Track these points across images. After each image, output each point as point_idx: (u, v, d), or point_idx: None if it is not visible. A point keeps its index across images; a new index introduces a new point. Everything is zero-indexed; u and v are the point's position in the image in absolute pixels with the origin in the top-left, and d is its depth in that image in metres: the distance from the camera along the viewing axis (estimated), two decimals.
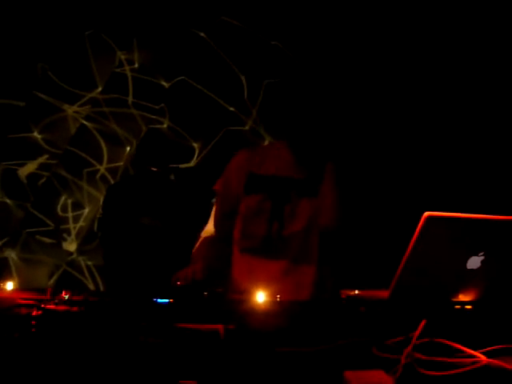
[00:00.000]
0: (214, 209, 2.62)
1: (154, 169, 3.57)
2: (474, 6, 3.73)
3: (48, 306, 1.70)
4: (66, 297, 1.81)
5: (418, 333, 1.44)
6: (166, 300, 1.82)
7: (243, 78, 4.12)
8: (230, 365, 1.37)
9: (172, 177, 3.63)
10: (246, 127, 4.13)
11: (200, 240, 2.61)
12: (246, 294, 1.89)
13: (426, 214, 1.49)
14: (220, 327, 1.49)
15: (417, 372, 1.34)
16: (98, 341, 1.48)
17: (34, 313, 1.65)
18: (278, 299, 1.90)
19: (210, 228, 2.61)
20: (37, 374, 1.27)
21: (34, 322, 1.58)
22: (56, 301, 1.77)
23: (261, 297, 1.85)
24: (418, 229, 1.51)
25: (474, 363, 1.39)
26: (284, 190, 2.44)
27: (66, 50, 4.10)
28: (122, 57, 4.16)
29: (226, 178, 2.57)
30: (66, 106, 4.14)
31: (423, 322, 1.46)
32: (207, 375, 1.28)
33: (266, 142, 4.11)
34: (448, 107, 3.77)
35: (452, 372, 1.34)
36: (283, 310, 1.80)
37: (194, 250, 2.59)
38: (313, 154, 2.50)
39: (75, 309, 1.71)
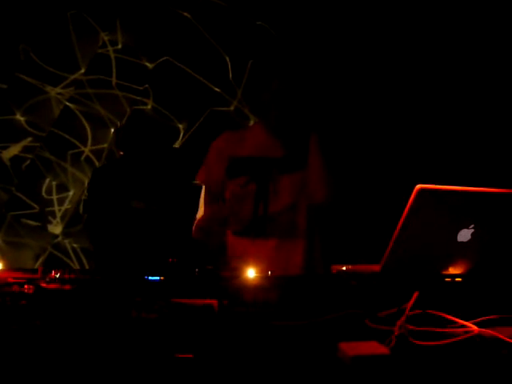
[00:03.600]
0: (202, 192, 2.64)
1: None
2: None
3: (40, 285, 1.69)
4: (57, 276, 1.81)
5: (410, 304, 1.45)
6: (157, 277, 1.82)
7: (228, 58, 4.10)
8: (225, 338, 1.38)
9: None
10: (231, 108, 4.12)
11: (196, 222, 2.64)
12: (237, 270, 1.90)
13: (418, 186, 1.50)
14: (214, 302, 1.50)
15: (410, 342, 1.35)
16: (91, 318, 1.48)
17: (26, 291, 1.65)
18: (270, 274, 1.91)
19: (202, 210, 2.64)
20: (31, 351, 1.26)
21: (25, 301, 1.57)
22: (47, 279, 1.77)
23: (252, 272, 1.86)
24: (409, 201, 1.52)
25: (466, 333, 1.41)
26: (265, 169, 2.45)
27: (48, 31, 4.05)
28: (105, 37, 4.12)
29: (207, 168, 2.60)
30: (49, 88, 4.09)
31: (416, 294, 1.48)
32: (203, 349, 1.29)
33: (251, 123, 4.10)
34: (439, 79, 3.77)
35: (445, 342, 1.35)
36: (276, 284, 1.81)
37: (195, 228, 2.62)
38: (289, 130, 2.51)
39: (67, 287, 1.70)
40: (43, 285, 1.70)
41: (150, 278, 1.81)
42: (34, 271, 1.89)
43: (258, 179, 2.44)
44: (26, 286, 1.65)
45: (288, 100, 2.43)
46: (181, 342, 1.32)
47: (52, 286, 1.71)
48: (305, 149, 2.47)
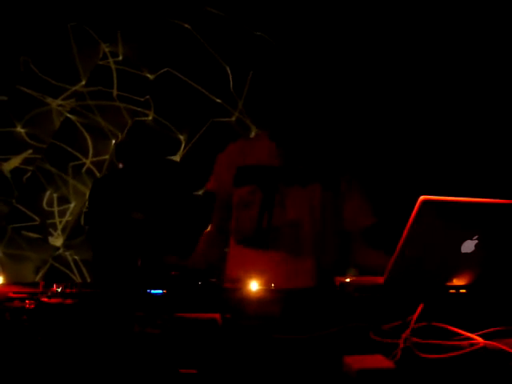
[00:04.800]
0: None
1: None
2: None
3: (41, 299, 1.68)
4: (59, 290, 1.80)
5: (416, 316, 1.44)
6: (160, 291, 1.81)
7: (228, 69, 4.10)
8: (229, 352, 1.36)
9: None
10: (233, 118, 4.12)
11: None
12: (240, 283, 1.89)
13: (422, 197, 1.49)
14: (217, 316, 1.49)
15: (415, 355, 1.34)
16: (94, 333, 1.47)
17: (28, 306, 1.64)
18: (273, 287, 1.90)
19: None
20: (33, 367, 1.25)
21: (26, 317, 1.56)
22: (49, 294, 1.76)
23: (255, 285, 1.85)
24: (413, 213, 1.51)
25: (471, 345, 1.39)
26: (271, 179, 2.45)
27: (48, 42, 4.05)
28: (106, 49, 4.13)
29: (217, 175, 2.60)
30: (49, 100, 4.09)
31: (421, 306, 1.47)
32: (207, 363, 1.27)
33: (253, 134, 4.10)
34: (444, 89, 3.76)
35: (451, 354, 1.34)
36: (279, 297, 1.80)
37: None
38: (296, 142, 2.51)
39: (69, 301, 1.69)
40: (45, 299, 1.69)
41: (152, 291, 1.81)
42: (35, 285, 1.88)
43: (264, 189, 2.43)
44: (27, 302, 1.64)
45: (294, 111, 2.44)
46: (185, 357, 1.31)
47: (54, 300, 1.70)
48: (314, 165, 2.49)
